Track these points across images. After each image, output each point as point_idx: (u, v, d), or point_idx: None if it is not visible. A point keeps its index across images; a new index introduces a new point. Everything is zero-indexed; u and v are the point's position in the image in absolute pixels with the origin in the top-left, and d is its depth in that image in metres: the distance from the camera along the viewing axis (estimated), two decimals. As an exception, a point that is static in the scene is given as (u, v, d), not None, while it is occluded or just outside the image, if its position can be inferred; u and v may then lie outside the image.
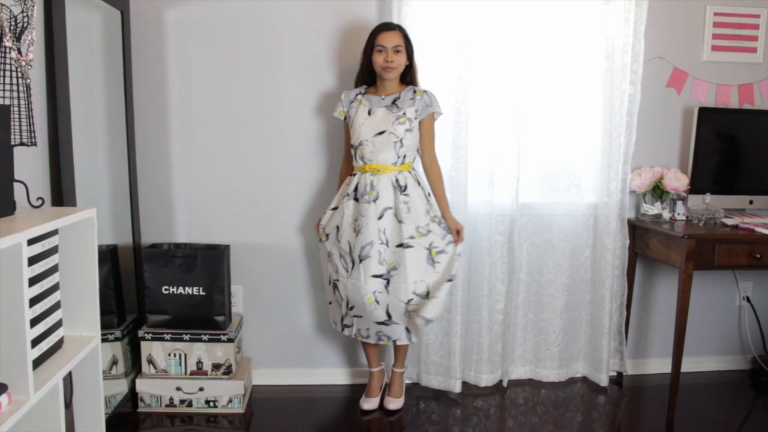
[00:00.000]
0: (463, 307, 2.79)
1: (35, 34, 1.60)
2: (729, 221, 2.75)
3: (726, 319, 3.19)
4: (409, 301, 2.44)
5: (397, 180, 2.47)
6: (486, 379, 2.90)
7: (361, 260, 2.42)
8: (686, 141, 2.97)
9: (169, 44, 2.71)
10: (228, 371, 2.60)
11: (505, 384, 2.91)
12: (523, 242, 2.89)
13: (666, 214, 2.89)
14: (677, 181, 2.86)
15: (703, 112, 2.86)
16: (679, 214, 2.88)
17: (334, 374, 2.96)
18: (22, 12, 1.57)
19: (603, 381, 2.93)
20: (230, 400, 2.61)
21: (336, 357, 2.96)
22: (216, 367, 2.60)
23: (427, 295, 2.45)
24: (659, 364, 3.09)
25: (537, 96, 2.82)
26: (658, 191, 2.91)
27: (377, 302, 2.43)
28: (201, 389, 2.59)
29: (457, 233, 2.52)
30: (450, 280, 2.49)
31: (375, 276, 2.42)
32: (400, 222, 2.44)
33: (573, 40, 2.82)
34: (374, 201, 2.44)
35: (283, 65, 2.76)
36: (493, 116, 2.79)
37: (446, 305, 2.63)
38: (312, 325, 2.93)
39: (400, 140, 2.46)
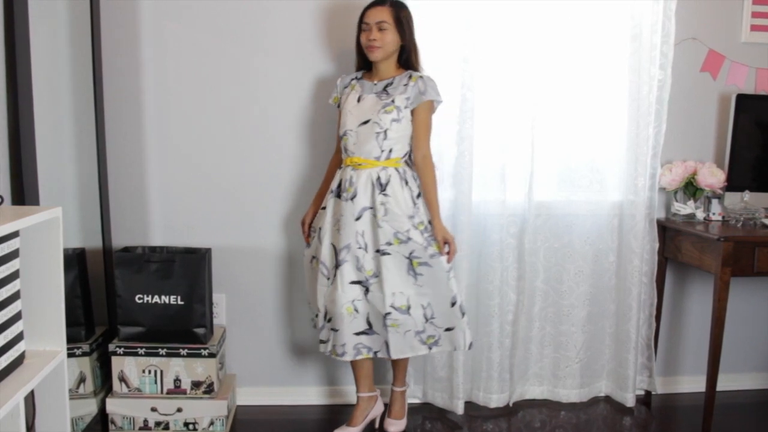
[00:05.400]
0: (470, 318, 2.78)
1: (-7, 14, 1.61)
2: (770, 222, 2.76)
3: (767, 332, 3.19)
4: (387, 315, 2.41)
5: (378, 177, 2.43)
6: (497, 400, 2.90)
7: (338, 265, 2.42)
8: (722, 132, 2.98)
9: (143, 25, 2.72)
10: (209, 390, 2.61)
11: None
12: (540, 246, 2.89)
13: (700, 214, 2.90)
14: (712, 176, 2.86)
15: (742, 99, 2.86)
16: (714, 213, 2.88)
17: (327, 393, 2.97)
18: (-21, -11, 1.58)
19: (629, 401, 2.93)
20: (212, 422, 2.61)
21: (329, 375, 2.97)
22: (196, 385, 2.61)
23: (407, 309, 2.42)
24: (692, 382, 3.09)
25: (554, 81, 2.82)
26: (690, 188, 2.91)
27: (356, 311, 2.42)
28: (179, 410, 2.60)
29: (445, 244, 2.45)
30: (454, 304, 2.44)
31: (353, 282, 2.42)
32: (378, 225, 2.41)
33: (595, 18, 2.82)
34: (351, 199, 2.42)
35: (271, 49, 2.77)
36: (504, 104, 2.79)
37: (469, 331, 2.53)
38: (303, 339, 2.94)
39: (384, 131, 2.42)
